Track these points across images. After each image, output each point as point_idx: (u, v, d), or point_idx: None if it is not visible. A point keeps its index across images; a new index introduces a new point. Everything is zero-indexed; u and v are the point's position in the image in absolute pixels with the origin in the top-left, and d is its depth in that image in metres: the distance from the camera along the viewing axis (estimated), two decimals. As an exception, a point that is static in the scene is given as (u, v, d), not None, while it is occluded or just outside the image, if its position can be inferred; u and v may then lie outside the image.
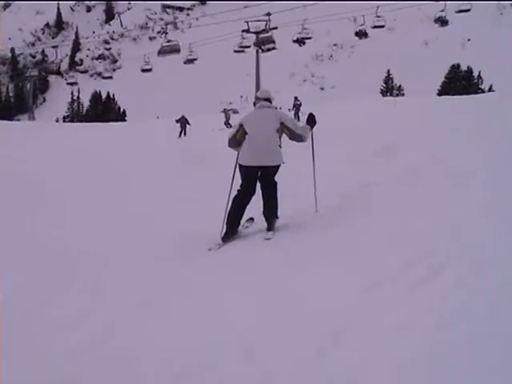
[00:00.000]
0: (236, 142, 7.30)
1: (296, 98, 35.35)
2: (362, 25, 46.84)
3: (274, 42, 46.76)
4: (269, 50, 48.40)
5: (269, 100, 7.48)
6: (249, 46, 49.04)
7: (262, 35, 46.43)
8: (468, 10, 42.55)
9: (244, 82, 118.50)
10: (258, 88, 47.42)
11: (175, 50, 47.22)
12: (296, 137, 7.22)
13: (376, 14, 44.24)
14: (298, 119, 31.86)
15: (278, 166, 7.10)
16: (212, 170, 10.95)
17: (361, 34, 49.41)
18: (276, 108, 7.64)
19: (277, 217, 7.24)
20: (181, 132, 32.27)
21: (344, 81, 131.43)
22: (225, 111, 35.59)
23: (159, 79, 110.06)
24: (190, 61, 50.45)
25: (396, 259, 4.80)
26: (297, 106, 34.17)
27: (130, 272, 5.86)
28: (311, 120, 7.56)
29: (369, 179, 8.57)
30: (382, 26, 45.19)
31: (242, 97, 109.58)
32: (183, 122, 32.62)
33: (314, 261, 5.33)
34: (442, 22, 45.16)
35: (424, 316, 3.69)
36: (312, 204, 7.63)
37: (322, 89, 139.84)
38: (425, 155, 9.12)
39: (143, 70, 52.90)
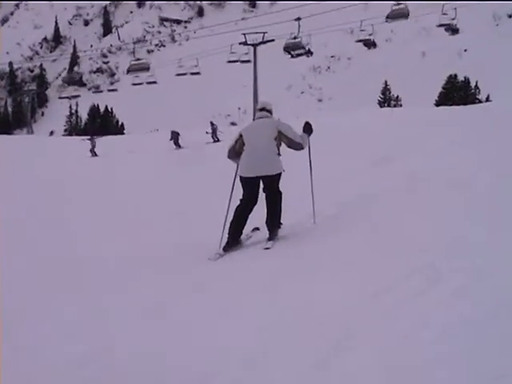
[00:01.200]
0: (235, 152, 7.37)
1: (212, 123, 35.68)
2: (371, 34, 46.57)
3: (303, 47, 45.77)
4: (298, 55, 47.68)
5: (267, 110, 7.56)
6: (243, 60, 48.92)
7: (290, 41, 45.39)
8: (449, 25, 42.67)
9: (242, 94, 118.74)
10: (255, 100, 47.51)
11: (144, 68, 47.83)
12: (294, 145, 7.25)
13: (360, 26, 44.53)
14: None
15: (279, 175, 7.15)
16: (211, 177, 11.07)
17: (369, 44, 49.32)
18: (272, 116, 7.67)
19: (279, 226, 7.30)
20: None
21: (341, 92, 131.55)
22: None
23: (157, 92, 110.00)
24: (193, 73, 50.49)
25: (395, 269, 4.79)
26: (213, 130, 34.48)
27: (129, 283, 5.86)
28: (308, 128, 7.62)
29: (366, 189, 8.59)
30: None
31: (239, 109, 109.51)
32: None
33: (313, 271, 5.32)
34: (453, 30, 44.89)
35: (424, 325, 3.69)
36: (310, 214, 7.66)
37: (320, 100, 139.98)
38: (422, 165, 9.15)
39: (134, 84, 53.09)
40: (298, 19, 44.30)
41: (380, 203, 7.66)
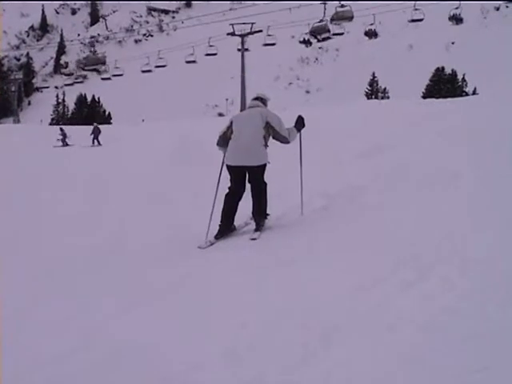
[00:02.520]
0: (226, 140, 7.33)
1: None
2: (372, 24, 46.41)
3: (329, 30, 45.19)
4: (324, 39, 47.31)
5: (261, 100, 7.56)
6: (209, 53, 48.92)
7: (316, 24, 44.89)
8: (421, 20, 42.69)
9: (230, 85, 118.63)
10: (243, 91, 47.31)
11: (100, 62, 48.15)
12: (279, 137, 7.25)
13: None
14: (99, 143, 32.24)
15: (263, 166, 7.15)
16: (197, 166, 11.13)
17: (370, 34, 49.19)
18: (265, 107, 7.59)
19: (265, 217, 7.31)
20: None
21: (329, 84, 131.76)
22: (61, 130, 34.71)
23: (145, 81, 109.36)
24: (189, 62, 50.53)
25: (382, 261, 4.78)
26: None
27: (115, 276, 5.82)
28: (300, 122, 7.61)
29: (355, 180, 8.57)
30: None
31: (227, 100, 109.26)
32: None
33: (300, 262, 5.32)
34: (457, 19, 44.63)
35: (412, 317, 3.68)
36: (298, 205, 7.67)
37: (308, 92, 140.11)
38: (411, 157, 9.13)
39: (114, 75, 53.10)
40: (324, 3, 44.17)
41: (368, 195, 7.65)
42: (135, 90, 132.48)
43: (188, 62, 50.23)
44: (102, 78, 58.19)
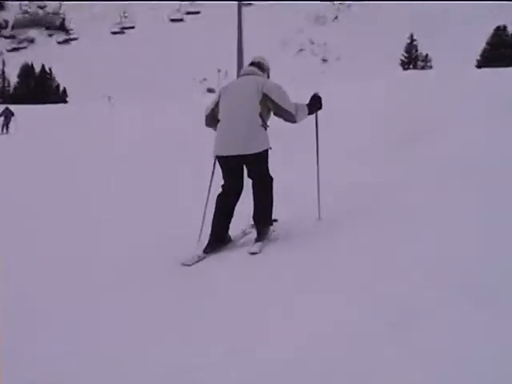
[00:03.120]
0: (214, 118, 7.20)
1: (7, 108, 35.14)
2: None
3: None
4: None
5: (258, 66, 7.37)
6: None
7: None
8: (198, 12, 43.95)
9: (224, 53, 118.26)
10: (240, 58, 46.79)
11: (53, 20, 48.34)
12: (283, 113, 6.99)
13: None
14: (7, 130, 32.44)
15: (263, 154, 6.94)
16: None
17: None
18: (263, 75, 7.38)
19: (270, 224, 7.19)
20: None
21: (352, 50, 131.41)
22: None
23: (113, 49, 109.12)
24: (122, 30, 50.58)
25: (404, 285, 4.65)
26: (7, 116, 34.20)
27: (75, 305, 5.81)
28: (315, 102, 7.41)
29: (384, 177, 8.56)
30: None
31: (219, 71, 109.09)
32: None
33: (304, 287, 5.13)
34: None
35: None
36: (312, 209, 7.64)
37: (325, 60, 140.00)
38: (457, 149, 9.10)
39: (71, 39, 53.07)
40: None
41: (401, 198, 7.57)
42: (101, 58, 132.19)
43: (173, 20, 50.24)
44: (59, 42, 58.05)
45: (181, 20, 51.27)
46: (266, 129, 6.96)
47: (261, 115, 6.87)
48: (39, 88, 77.32)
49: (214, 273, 6.26)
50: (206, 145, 7.65)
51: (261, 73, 7.26)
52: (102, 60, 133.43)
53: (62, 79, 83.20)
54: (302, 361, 3.79)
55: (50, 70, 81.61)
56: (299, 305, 4.73)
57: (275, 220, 7.44)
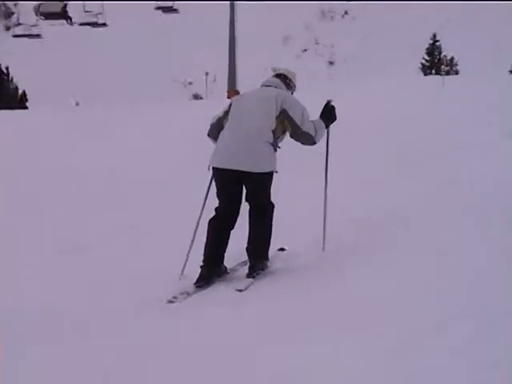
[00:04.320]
0: (219, 129, 7.17)
1: None
2: None
3: None
4: None
5: (283, 78, 7.37)
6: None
7: None
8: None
9: (213, 51, 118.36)
10: (232, 58, 46.16)
11: (10, 11, 48.87)
12: (301, 136, 6.99)
13: None
14: None
15: (266, 175, 6.92)
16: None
17: None
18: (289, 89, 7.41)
19: (266, 258, 7.14)
20: None
21: (363, 51, 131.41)
22: None
23: (79, 46, 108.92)
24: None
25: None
26: None
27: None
28: (328, 113, 7.39)
29: (401, 203, 8.57)
30: None
31: (207, 74, 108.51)
32: None
33: (297, 336, 5.12)
34: None
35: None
36: (316, 239, 7.68)
37: (331, 63, 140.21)
38: (486, 172, 9.13)
39: (31, 36, 53.00)
40: None
41: (418, 227, 7.62)
42: (65, 55, 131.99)
43: (163, 8, 50.23)
44: (14, 36, 57.93)
45: (173, 10, 49.66)
46: (275, 149, 6.97)
47: (274, 132, 6.88)
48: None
49: (193, 318, 6.06)
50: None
51: (285, 87, 7.29)
52: (69, 57, 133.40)
53: (22, 81, 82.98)
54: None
55: (7, 69, 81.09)
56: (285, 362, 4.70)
57: (282, 249, 7.58)
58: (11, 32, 59.90)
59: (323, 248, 7.58)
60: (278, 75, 7.41)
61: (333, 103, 7.44)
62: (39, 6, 47.82)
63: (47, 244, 9.33)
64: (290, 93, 7.30)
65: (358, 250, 7.48)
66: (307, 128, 6.90)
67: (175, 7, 48.89)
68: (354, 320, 5.29)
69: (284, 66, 7.77)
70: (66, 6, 48.24)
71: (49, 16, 48.80)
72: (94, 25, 50.54)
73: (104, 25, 49.90)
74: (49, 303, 6.69)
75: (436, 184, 9.03)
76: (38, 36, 52.45)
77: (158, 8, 49.30)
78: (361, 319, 5.26)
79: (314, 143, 7.09)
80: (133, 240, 9.02)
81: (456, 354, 4.21)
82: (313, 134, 6.94)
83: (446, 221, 7.54)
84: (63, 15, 49.21)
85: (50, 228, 10.19)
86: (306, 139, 6.99)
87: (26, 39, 56.25)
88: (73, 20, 49.81)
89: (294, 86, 7.47)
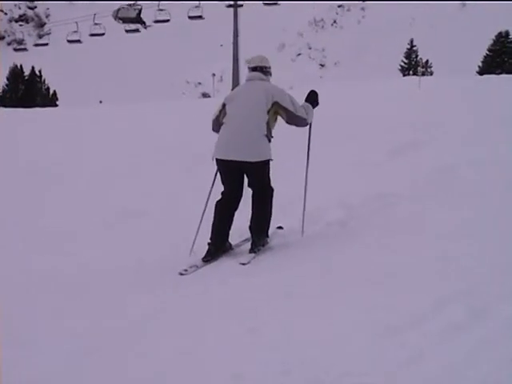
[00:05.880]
0: (220, 125, 7.29)
1: None
2: None
3: None
4: None
5: (262, 70, 7.41)
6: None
7: None
8: (167, 21, 47.87)
9: (218, 56, 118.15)
10: (236, 62, 46.56)
11: (42, 21, 48.46)
12: (296, 120, 7.22)
13: None
14: None
15: (264, 163, 7.06)
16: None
17: None
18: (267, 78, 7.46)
19: (266, 235, 7.30)
20: None
21: (351, 55, 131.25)
22: None
23: (102, 51, 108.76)
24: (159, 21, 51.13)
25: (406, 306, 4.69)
26: None
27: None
28: (313, 98, 7.57)
29: (384, 186, 8.58)
30: None
31: (214, 75, 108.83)
32: None
33: (307, 298, 5.26)
34: None
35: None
36: (309, 219, 7.73)
37: (322, 65, 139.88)
38: (459, 156, 9.14)
39: (70, 41, 52.99)
40: None
41: (401, 208, 7.66)
42: (91, 60, 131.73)
43: (193, 17, 50.05)
44: (35, 44, 57.65)
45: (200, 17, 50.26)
46: (269, 140, 7.11)
47: (267, 124, 7.03)
48: (29, 91, 76.66)
49: (204, 285, 6.22)
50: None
51: (265, 77, 7.36)
52: (94, 62, 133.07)
53: (52, 82, 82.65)
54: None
55: (40, 72, 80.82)
56: (290, 310, 4.94)
57: (280, 227, 7.67)
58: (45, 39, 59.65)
59: (302, 232, 7.57)
60: (255, 68, 7.39)
61: (316, 90, 7.67)
62: (117, 11, 48.47)
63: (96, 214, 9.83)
64: (269, 78, 7.42)
65: (341, 230, 7.56)
66: (300, 112, 7.16)
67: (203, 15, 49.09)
68: (343, 287, 5.40)
69: (253, 56, 7.67)
70: (140, 11, 48.77)
71: (126, 20, 49.57)
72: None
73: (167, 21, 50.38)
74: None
75: (421, 168, 9.05)
76: (78, 41, 52.75)
77: (191, 17, 49.54)
78: (349, 286, 5.37)
79: (307, 124, 7.42)
80: (151, 223, 9.09)
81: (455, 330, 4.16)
82: (305, 116, 7.23)
83: (437, 201, 7.57)
84: (138, 20, 50.04)
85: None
86: (301, 122, 7.27)
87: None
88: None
89: (270, 67, 7.49)
